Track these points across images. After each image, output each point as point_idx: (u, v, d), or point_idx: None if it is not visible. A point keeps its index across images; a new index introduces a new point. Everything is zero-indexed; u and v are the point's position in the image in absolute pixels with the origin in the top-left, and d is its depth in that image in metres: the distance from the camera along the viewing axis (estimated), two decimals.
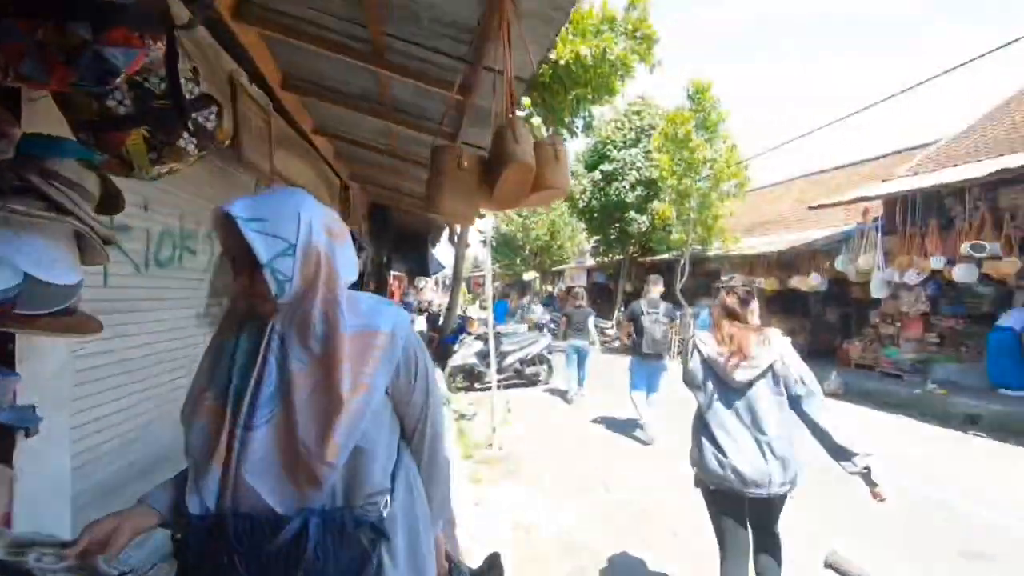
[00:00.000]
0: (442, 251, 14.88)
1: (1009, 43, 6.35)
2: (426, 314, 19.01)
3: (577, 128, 12.67)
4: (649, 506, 4.21)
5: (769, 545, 2.37)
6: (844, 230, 10.64)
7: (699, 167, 12.94)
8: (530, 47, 2.26)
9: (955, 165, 8.88)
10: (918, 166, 9.78)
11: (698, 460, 2.37)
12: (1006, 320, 7.96)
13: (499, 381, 9.19)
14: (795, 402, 2.25)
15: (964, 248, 7.37)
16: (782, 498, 2.28)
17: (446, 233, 13.10)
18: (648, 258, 17.18)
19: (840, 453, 2.17)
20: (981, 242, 7.26)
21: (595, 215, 17.94)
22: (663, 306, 5.98)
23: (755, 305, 2.41)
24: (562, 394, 8.62)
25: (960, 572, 3.31)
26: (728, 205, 13.44)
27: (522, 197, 2.27)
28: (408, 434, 1.22)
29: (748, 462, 2.20)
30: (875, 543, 3.54)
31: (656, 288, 6.18)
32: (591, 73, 11.47)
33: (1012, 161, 6.80)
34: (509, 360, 9.18)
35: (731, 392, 2.30)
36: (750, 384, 2.26)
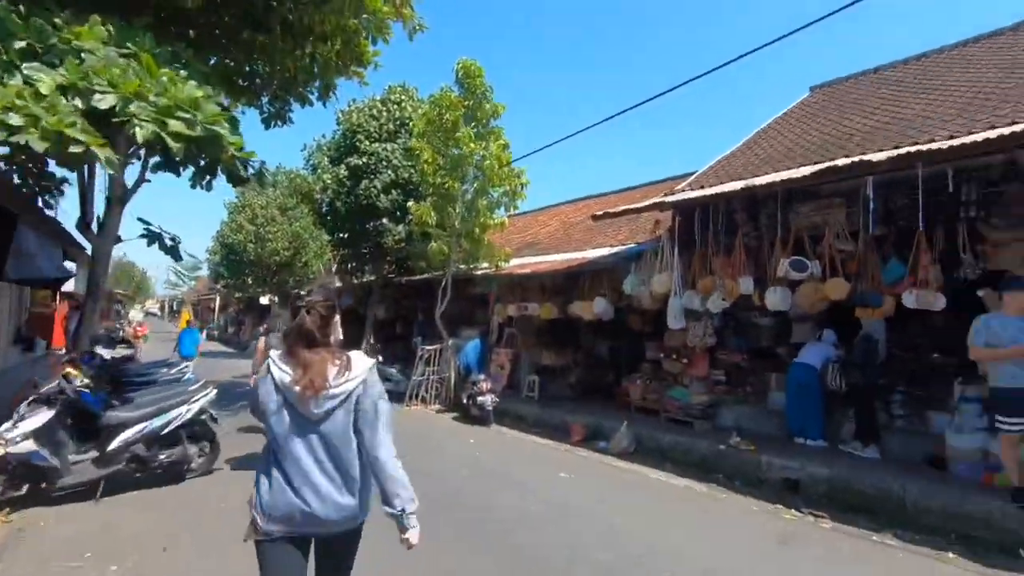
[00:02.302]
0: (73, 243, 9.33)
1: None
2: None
3: (312, 95, 9.17)
4: None
5: None
6: (633, 247, 8.93)
7: (467, 163, 10.35)
8: None
9: (740, 178, 7.77)
10: (701, 179, 8.60)
11: (260, 501, 1.99)
12: (805, 356, 6.76)
13: (96, 480, 4.84)
14: (359, 431, 2.05)
15: (782, 267, 5.79)
16: (358, 532, 2.13)
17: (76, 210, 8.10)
18: (406, 278, 14.06)
19: (387, 493, 2.03)
20: (802, 259, 5.76)
21: (341, 222, 14.16)
22: None
23: (337, 320, 2.17)
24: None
25: None
26: (498, 217, 11.14)
27: None
28: None
29: (323, 499, 1.97)
30: None
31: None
32: (332, 23, 8.09)
33: (839, 161, 5.40)
34: (120, 439, 4.88)
35: (308, 423, 2.01)
36: (328, 414, 2.01)
